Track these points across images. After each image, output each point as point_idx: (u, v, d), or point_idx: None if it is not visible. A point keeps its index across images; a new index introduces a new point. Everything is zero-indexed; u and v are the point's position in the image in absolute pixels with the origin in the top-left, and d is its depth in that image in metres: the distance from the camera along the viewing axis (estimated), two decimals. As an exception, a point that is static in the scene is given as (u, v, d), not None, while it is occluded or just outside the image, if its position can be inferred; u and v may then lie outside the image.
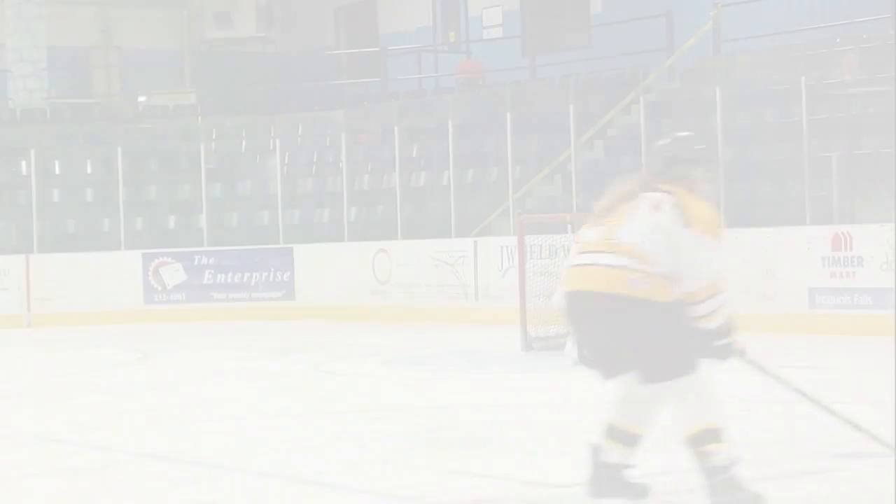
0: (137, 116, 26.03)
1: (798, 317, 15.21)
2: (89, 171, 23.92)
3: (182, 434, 8.98)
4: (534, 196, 20.36)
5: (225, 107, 26.39)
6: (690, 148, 6.29)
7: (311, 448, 8.22)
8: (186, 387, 11.35)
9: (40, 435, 9.14)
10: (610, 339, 6.10)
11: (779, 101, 18.34)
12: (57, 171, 23.78)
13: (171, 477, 7.38)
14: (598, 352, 6.15)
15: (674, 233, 5.99)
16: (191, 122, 25.14)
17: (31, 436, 9.14)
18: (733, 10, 20.65)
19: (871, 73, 17.74)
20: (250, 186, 23.69)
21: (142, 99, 27.50)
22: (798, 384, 6.43)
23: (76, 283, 20.90)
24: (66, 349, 16.64)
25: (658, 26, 21.56)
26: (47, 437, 9.03)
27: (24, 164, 22.99)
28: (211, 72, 28.49)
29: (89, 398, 11.22)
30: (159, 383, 12.34)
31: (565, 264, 6.40)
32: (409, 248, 19.75)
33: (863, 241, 14.81)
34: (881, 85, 17.04)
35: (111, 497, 6.93)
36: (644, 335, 5.99)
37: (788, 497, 6.29)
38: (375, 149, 23.36)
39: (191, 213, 23.05)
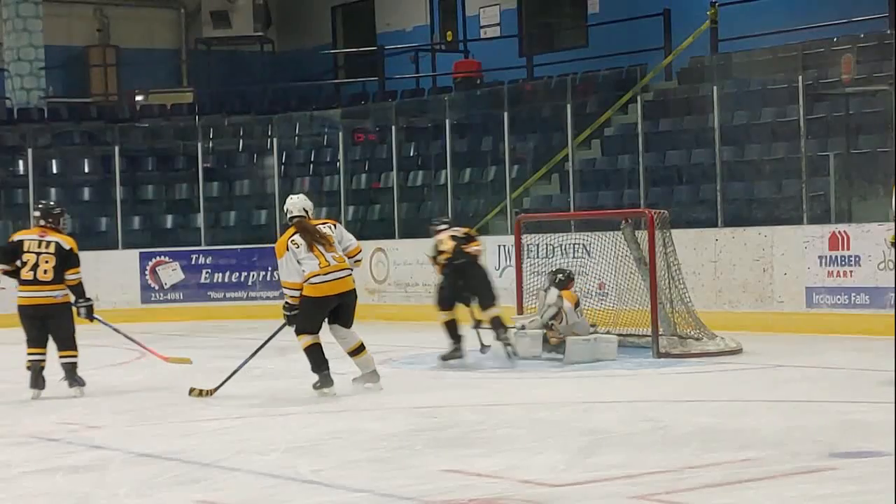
0: (134, 116, 26.02)
1: (795, 316, 15.22)
2: (86, 170, 23.92)
3: (180, 433, 8.98)
4: (531, 195, 20.36)
5: (222, 106, 26.39)
6: None
7: (309, 447, 8.21)
8: (184, 386, 11.32)
9: (37, 434, 9.14)
10: None
11: (776, 101, 18.35)
12: (54, 171, 23.78)
13: (169, 476, 7.37)
14: None
15: None
16: (188, 121, 25.13)
17: (28, 435, 9.13)
18: (730, 10, 20.67)
19: (869, 73, 17.75)
20: (248, 186, 23.69)
21: (139, 98, 27.51)
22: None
23: (73, 282, 20.87)
24: (63, 348, 16.57)
25: (655, 26, 21.57)
26: (44, 437, 9.02)
27: (21, 163, 22.99)
28: (208, 71, 28.47)
29: (86, 397, 11.22)
30: (157, 383, 12.34)
31: None
32: (407, 248, 19.74)
33: (860, 240, 14.82)
34: (878, 84, 17.05)
35: (109, 497, 6.91)
36: None
37: (788, 497, 6.28)
38: (373, 148, 23.37)
39: (188, 212, 23.04)
